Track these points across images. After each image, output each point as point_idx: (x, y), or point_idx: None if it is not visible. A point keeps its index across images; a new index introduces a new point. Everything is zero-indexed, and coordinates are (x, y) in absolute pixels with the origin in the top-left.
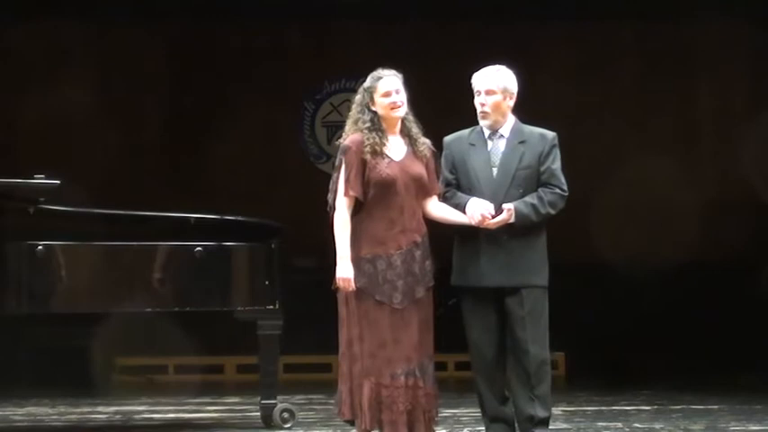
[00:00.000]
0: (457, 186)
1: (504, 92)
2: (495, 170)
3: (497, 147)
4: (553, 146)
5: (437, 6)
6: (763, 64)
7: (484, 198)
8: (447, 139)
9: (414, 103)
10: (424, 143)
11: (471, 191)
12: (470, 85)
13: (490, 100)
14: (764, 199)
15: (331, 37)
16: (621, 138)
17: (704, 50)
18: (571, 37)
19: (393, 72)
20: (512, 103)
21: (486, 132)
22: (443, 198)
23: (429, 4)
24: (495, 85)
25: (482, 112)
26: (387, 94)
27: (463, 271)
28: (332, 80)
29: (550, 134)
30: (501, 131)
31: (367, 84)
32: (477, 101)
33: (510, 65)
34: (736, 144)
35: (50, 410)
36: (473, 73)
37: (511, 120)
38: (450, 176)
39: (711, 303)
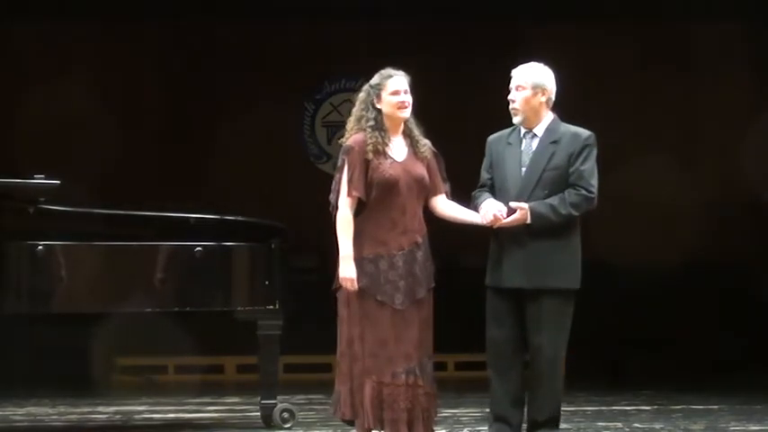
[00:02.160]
0: (491, 186)
1: (535, 87)
2: (523, 170)
3: (530, 146)
4: (586, 146)
5: (437, 6)
6: (763, 64)
7: (509, 197)
8: (489, 138)
9: (414, 103)
10: (425, 144)
11: (501, 190)
12: (472, 84)
13: (519, 96)
14: (764, 199)
15: (331, 37)
16: (621, 138)
17: (704, 51)
18: (571, 37)
19: (402, 73)
20: (545, 99)
21: (522, 131)
22: (472, 197)
23: (429, 5)
24: (524, 80)
25: (512, 108)
26: (395, 93)
27: (489, 270)
28: (332, 80)
29: (585, 134)
30: (535, 130)
31: (375, 81)
32: (509, 97)
33: (509, 65)
34: (737, 144)
35: (50, 410)
36: (473, 73)
37: (548, 118)
38: (486, 176)
39: (711, 303)
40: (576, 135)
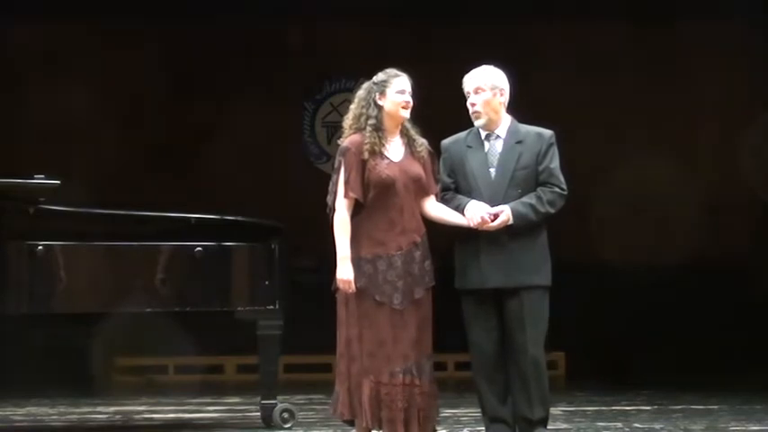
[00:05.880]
0: (456, 190)
1: (494, 88)
2: (492, 171)
3: (494, 148)
4: (550, 144)
5: (437, 7)
6: (763, 64)
7: (482, 200)
8: (445, 142)
9: (413, 103)
10: (422, 143)
11: (470, 193)
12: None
13: (479, 99)
14: (764, 199)
15: (331, 37)
16: (621, 138)
17: (704, 51)
18: (571, 37)
19: (406, 75)
20: (503, 99)
21: (483, 134)
22: (442, 201)
23: (429, 5)
24: (482, 82)
25: (474, 112)
26: (401, 92)
27: (465, 273)
28: (332, 80)
29: (547, 133)
30: (497, 132)
31: (381, 78)
32: (468, 102)
33: (510, 65)
34: (737, 144)
35: (50, 410)
36: None
37: (507, 120)
38: (448, 180)
39: (711, 303)
40: (540, 134)
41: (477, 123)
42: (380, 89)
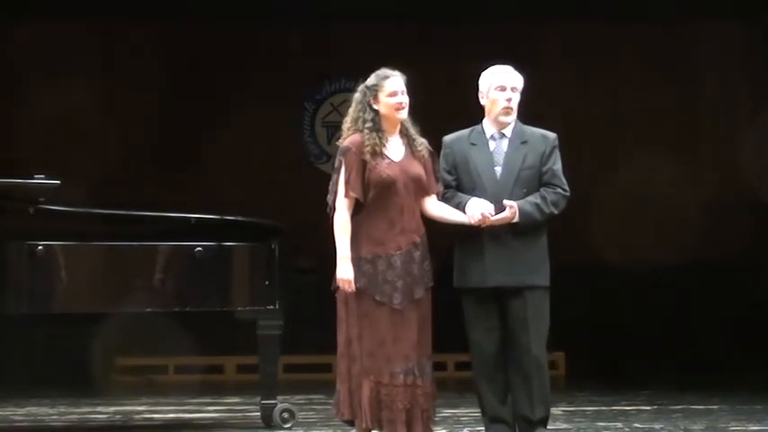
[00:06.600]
0: (457, 187)
1: (521, 90)
2: (498, 170)
3: (500, 147)
4: (554, 147)
5: (437, 7)
6: (762, 64)
7: (486, 198)
8: (447, 138)
9: (413, 103)
10: (422, 143)
11: (473, 191)
12: (472, 85)
13: (516, 97)
14: (764, 199)
15: (331, 37)
16: (621, 138)
17: (704, 51)
18: (571, 37)
19: (398, 73)
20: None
21: (488, 132)
22: (443, 199)
23: (429, 5)
24: (517, 82)
25: (508, 107)
26: (393, 94)
27: (466, 272)
28: (332, 80)
29: (551, 135)
30: (504, 131)
31: (371, 82)
32: (502, 96)
33: (510, 65)
34: (737, 144)
35: (50, 410)
36: (473, 73)
37: (514, 120)
38: (449, 178)
39: (711, 303)
40: (544, 136)
41: (506, 119)
42: (373, 93)
